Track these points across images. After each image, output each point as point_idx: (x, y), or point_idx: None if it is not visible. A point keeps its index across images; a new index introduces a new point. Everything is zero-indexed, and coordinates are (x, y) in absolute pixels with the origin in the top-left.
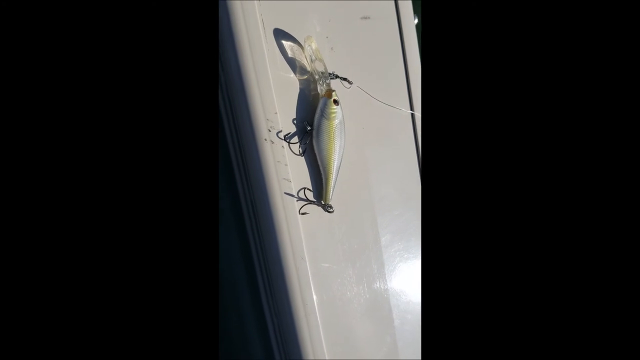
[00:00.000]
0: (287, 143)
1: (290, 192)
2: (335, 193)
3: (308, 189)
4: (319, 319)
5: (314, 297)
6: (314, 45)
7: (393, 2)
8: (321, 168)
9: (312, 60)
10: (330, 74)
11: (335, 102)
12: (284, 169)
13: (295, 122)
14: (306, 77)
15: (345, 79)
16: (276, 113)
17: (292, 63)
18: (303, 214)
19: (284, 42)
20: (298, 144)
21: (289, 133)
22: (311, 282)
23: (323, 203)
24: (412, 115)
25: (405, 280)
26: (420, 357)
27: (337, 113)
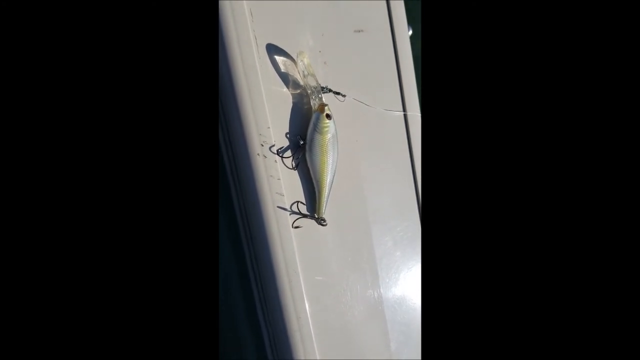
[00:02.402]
0: (280, 157)
1: (284, 206)
2: (328, 206)
3: (301, 203)
4: (312, 332)
5: (307, 310)
6: (306, 60)
7: (387, 14)
8: (314, 181)
9: (304, 75)
10: (323, 87)
11: (328, 116)
12: (276, 183)
13: (288, 136)
14: (299, 91)
15: (338, 93)
16: (269, 127)
17: (284, 77)
18: (296, 227)
19: (276, 56)
20: (291, 158)
21: (282, 147)
22: (304, 295)
23: (316, 216)
24: (406, 126)
25: (401, 292)
26: None
27: (329, 127)
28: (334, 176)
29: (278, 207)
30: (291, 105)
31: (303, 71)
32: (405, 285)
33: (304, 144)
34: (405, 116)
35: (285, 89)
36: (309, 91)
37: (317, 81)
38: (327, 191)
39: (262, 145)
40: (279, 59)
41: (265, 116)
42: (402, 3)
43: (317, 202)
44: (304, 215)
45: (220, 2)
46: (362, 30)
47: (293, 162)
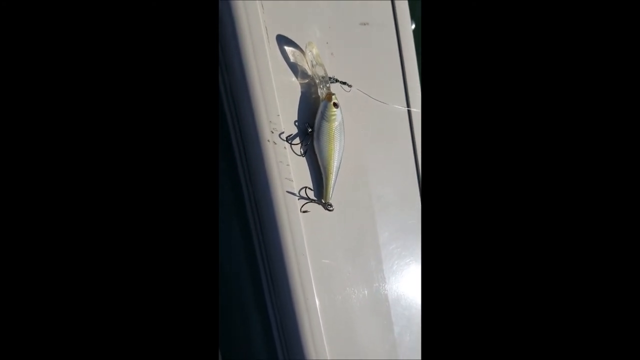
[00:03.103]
0: (289, 144)
1: (292, 191)
2: (335, 192)
3: (309, 188)
4: (319, 313)
5: (315, 292)
6: (314, 51)
7: (391, 9)
8: (322, 168)
9: (313, 65)
10: (330, 78)
11: (335, 105)
12: (285, 169)
13: (296, 124)
14: (307, 81)
15: (344, 83)
16: (279, 115)
17: (294, 68)
18: (304, 212)
19: (286, 47)
20: (299, 144)
21: (291, 134)
22: (312, 277)
23: (323, 202)
24: (409, 117)
25: (403, 277)
26: (420, 356)
27: (336, 115)
28: (340, 163)
29: (287, 191)
30: (300, 94)
31: (312, 61)
32: (407, 270)
33: (312, 131)
34: (407, 105)
35: (294, 79)
36: (317, 81)
37: (325, 71)
38: (333, 177)
39: (272, 132)
40: (289, 49)
41: (275, 104)
42: None
43: (324, 187)
44: (312, 200)
45: None
46: (367, 23)
47: (302, 149)
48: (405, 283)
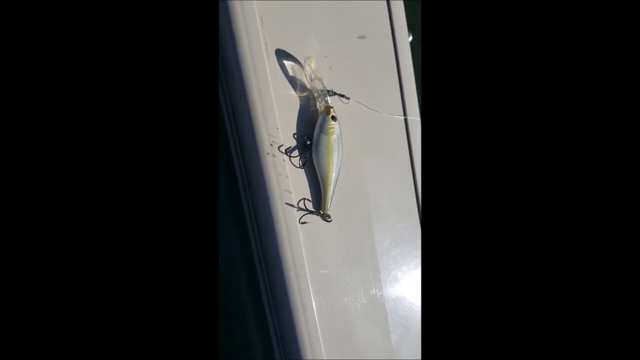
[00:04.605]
0: (288, 156)
1: (291, 203)
2: (333, 203)
3: (308, 200)
4: (317, 323)
5: (313, 301)
6: (313, 65)
7: (388, 21)
8: (320, 180)
9: (311, 79)
10: (328, 91)
11: (333, 118)
12: (285, 181)
13: (295, 136)
14: (306, 94)
15: (343, 96)
16: (278, 128)
17: (292, 81)
18: (303, 223)
19: (285, 61)
20: (298, 157)
21: (290, 147)
22: (310, 287)
23: (322, 213)
24: (406, 128)
25: (400, 285)
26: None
27: (334, 128)
28: (338, 175)
29: (286, 203)
30: (298, 107)
31: (310, 75)
32: (405, 279)
33: (311, 144)
34: (405, 119)
35: (293, 92)
36: (315, 94)
37: (323, 85)
38: (332, 189)
39: (272, 145)
40: (288, 63)
41: (274, 118)
42: (403, 10)
43: (323, 199)
44: (310, 212)
45: (231, 5)
46: (365, 37)
47: (300, 161)
48: (403, 292)
